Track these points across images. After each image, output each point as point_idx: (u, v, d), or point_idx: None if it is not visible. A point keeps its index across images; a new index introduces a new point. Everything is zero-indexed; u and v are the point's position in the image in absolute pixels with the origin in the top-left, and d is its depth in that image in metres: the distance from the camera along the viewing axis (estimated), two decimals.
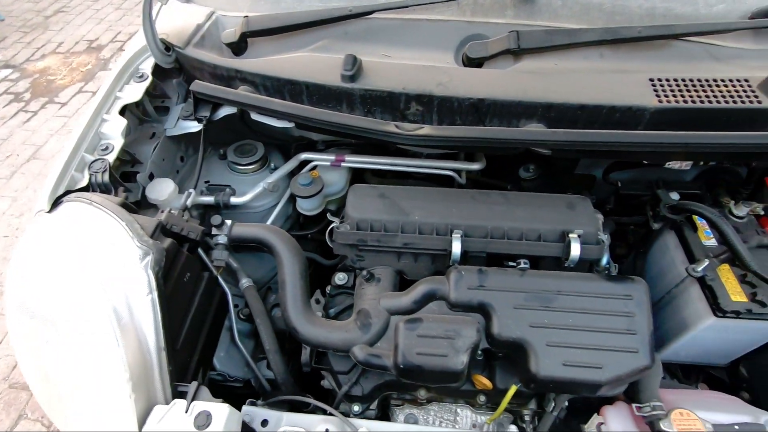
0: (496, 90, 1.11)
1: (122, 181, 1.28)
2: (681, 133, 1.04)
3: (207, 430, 0.89)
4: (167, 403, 0.94)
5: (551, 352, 1.05)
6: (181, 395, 0.95)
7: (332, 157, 1.51)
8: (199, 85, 1.24)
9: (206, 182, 1.53)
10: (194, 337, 1.08)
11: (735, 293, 1.21)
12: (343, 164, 1.50)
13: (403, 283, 1.30)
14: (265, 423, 1.04)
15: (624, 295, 1.09)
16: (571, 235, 1.19)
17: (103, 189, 1.11)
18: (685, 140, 1.01)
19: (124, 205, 1.06)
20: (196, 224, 1.15)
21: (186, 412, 0.92)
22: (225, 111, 1.32)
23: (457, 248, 1.19)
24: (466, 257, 1.24)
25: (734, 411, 1.15)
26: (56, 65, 5.20)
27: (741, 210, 1.36)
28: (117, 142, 1.18)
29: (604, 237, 1.27)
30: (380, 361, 1.12)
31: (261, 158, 1.55)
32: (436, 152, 1.52)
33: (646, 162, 1.46)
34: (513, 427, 1.25)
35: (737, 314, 1.18)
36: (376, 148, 1.57)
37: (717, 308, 1.20)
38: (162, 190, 1.25)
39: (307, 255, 1.61)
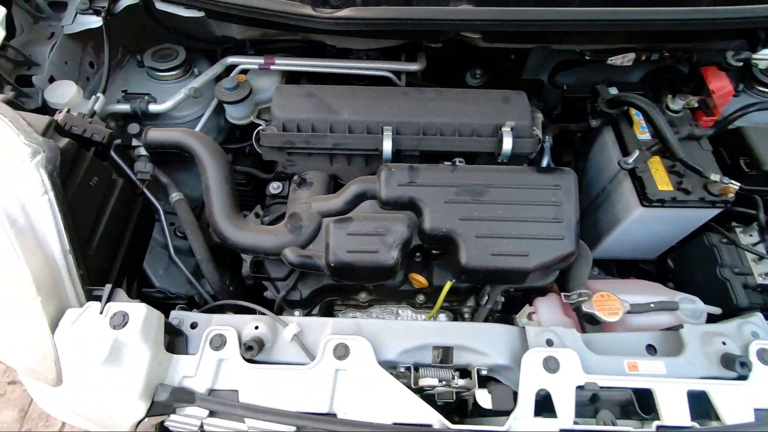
0: None
1: (18, 85, 1.15)
2: (619, 9, 0.98)
3: (124, 329, 0.87)
4: (81, 306, 0.90)
5: (480, 243, 1.06)
6: (97, 299, 0.92)
7: (260, 60, 1.39)
8: None
9: (123, 91, 1.40)
10: (112, 243, 1.03)
11: (662, 183, 1.23)
12: (272, 67, 1.39)
13: (337, 187, 1.26)
14: (194, 325, 1.02)
15: (553, 185, 1.09)
16: (503, 129, 1.15)
17: None
18: (621, 16, 0.96)
19: (10, 103, 0.94)
20: (102, 127, 1.05)
21: (101, 313, 0.89)
22: (126, 0, 1.17)
23: (388, 146, 1.15)
24: (400, 156, 1.21)
25: (653, 293, 1.21)
26: None
27: (677, 104, 1.35)
28: None
29: (539, 133, 1.25)
30: (312, 262, 1.11)
31: (183, 63, 1.42)
32: (374, 51, 1.42)
33: (588, 58, 1.41)
34: (443, 316, 1.29)
35: (662, 203, 1.21)
36: (312, 51, 1.46)
37: (644, 198, 1.22)
38: (63, 92, 1.13)
39: (246, 170, 1.55)
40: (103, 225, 1.00)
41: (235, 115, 1.40)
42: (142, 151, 1.30)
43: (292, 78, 1.52)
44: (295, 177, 1.23)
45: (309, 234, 1.14)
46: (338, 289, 1.31)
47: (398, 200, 1.08)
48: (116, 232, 1.04)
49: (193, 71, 1.44)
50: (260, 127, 1.21)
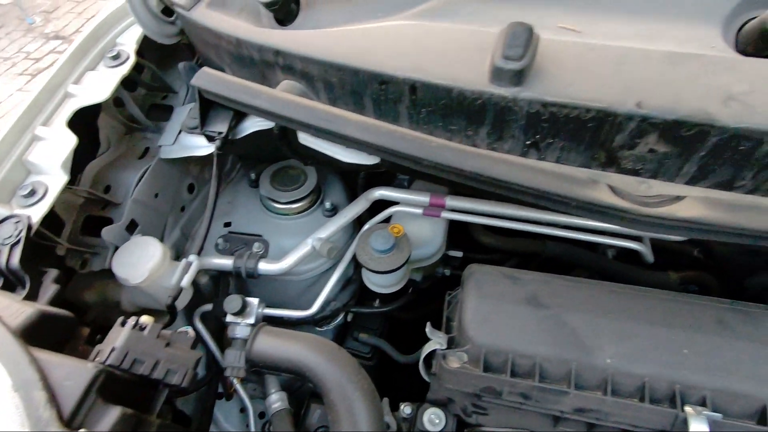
0: None
1: (86, 233, 0.76)
2: None
3: None
4: None
5: None
6: None
7: (425, 200, 0.91)
8: (207, 79, 0.67)
9: (226, 225, 0.98)
10: None
11: None
12: (444, 215, 0.91)
13: None
14: None
15: None
16: None
17: (7, 280, 0.58)
18: None
19: (37, 329, 0.52)
20: (186, 350, 0.60)
21: None
22: (256, 125, 0.75)
23: None
24: None
25: None
26: None
27: None
28: (54, 182, 0.64)
29: None
30: None
31: (311, 193, 0.98)
32: None
33: None
34: None
35: None
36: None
37: None
38: (139, 266, 0.70)
39: (375, 343, 1.06)
40: None
41: (381, 283, 0.92)
42: (238, 333, 0.85)
43: (454, 223, 1.01)
44: None
45: None
46: None
47: None
48: None
49: (322, 202, 1.00)
50: (437, 348, 0.69)
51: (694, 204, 0.48)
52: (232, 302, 0.82)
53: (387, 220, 0.97)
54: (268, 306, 0.93)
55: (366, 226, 0.93)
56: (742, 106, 0.48)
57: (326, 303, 1.02)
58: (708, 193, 0.56)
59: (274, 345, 0.69)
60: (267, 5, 0.78)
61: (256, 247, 0.92)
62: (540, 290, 0.68)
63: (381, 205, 0.96)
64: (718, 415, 0.56)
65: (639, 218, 0.49)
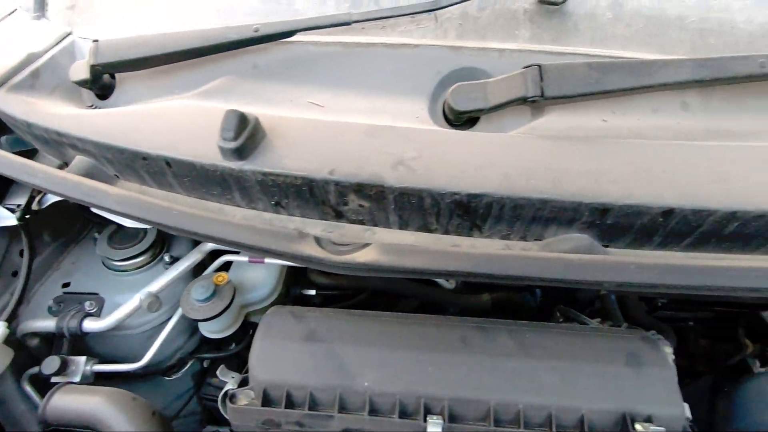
0: (507, 177, 0.59)
1: None
2: None
3: None
4: None
5: None
6: None
7: None
8: None
9: (65, 286, 1.02)
10: None
11: None
12: (267, 261, 0.99)
13: None
14: None
15: None
16: (638, 427, 0.66)
17: None
18: None
19: None
20: None
21: None
22: (55, 196, 0.82)
23: None
24: None
25: None
26: None
27: None
28: None
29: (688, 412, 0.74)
30: None
31: (149, 248, 1.04)
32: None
33: None
34: None
35: None
36: None
37: None
38: None
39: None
40: None
41: (211, 329, 0.98)
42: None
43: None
44: None
45: None
46: None
47: None
48: None
49: (162, 257, 1.05)
50: (229, 388, 0.76)
51: (372, 251, 0.59)
52: (50, 363, 0.86)
53: (228, 268, 1.05)
54: (104, 362, 0.96)
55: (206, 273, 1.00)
56: (407, 170, 0.60)
57: (174, 352, 1.07)
58: (417, 236, 0.68)
59: (68, 403, 0.73)
60: (78, 83, 0.86)
61: (88, 305, 0.96)
62: (319, 326, 0.77)
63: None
64: (440, 421, 0.67)
65: (333, 264, 0.59)
